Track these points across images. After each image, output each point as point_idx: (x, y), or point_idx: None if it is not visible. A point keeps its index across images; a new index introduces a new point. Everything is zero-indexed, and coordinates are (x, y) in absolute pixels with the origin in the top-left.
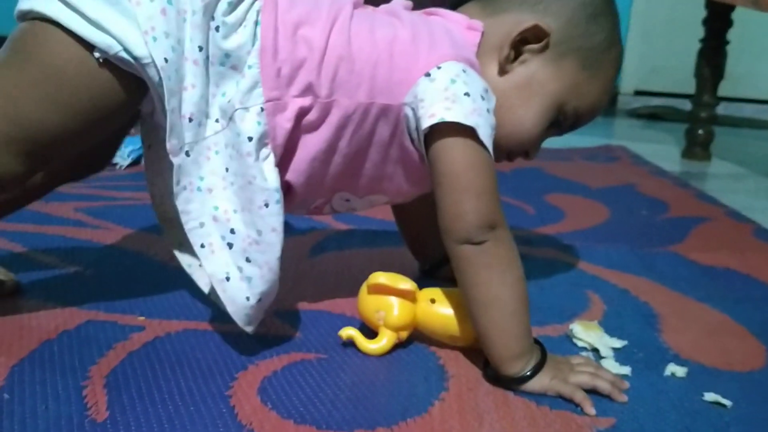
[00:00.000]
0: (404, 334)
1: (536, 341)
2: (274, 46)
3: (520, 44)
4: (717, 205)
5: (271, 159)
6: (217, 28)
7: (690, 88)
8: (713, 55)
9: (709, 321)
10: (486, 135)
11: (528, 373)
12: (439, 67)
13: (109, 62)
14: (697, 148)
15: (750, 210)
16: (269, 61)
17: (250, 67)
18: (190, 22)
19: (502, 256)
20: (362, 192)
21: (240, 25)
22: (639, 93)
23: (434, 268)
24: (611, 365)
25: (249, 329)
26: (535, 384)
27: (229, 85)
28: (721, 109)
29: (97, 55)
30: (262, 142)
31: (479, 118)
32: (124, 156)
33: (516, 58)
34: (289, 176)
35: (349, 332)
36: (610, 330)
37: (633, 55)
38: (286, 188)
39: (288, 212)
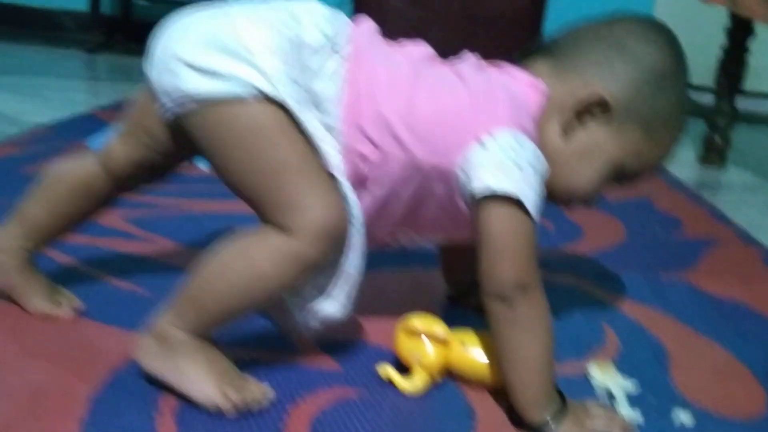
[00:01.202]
0: (438, 377)
1: (557, 389)
2: (355, 103)
3: (583, 113)
4: (729, 225)
5: (350, 189)
6: (313, 77)
7: (710, 80)
8: (734, 65)
9: (715, 360)
10: (531, 203)
11: (550, 421)
12: (492, 135)
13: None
14: (713, 154)
15: (761, 228)
16: (350, 115)
17: (335, 116)
18: (295, 69)
19: (531, 315)
20: (423, 232)
21: (331, 77)
22: None
23: (461, 296)
24: (623, 408)
25: (309, 326)
26: (556, 430)
27: (317, 125)
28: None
29: (249, 98)
30: (342, 176)
31: (526, 187)
32: None
33: (579, 122)
34: None
35: (387, 371)
36: (624, 368)
37: None
38: None
39: None
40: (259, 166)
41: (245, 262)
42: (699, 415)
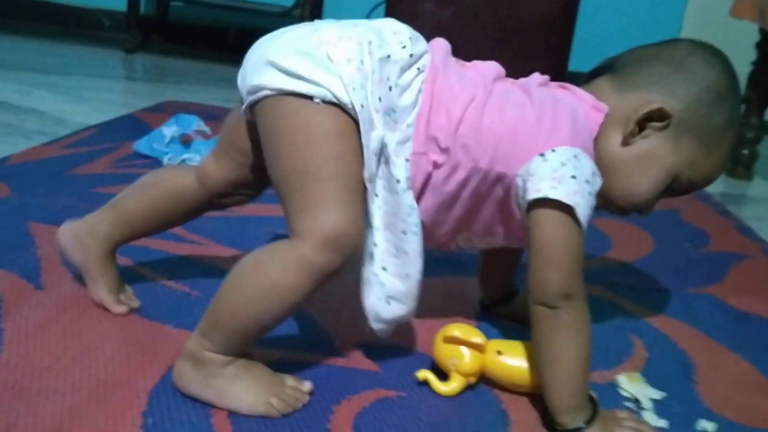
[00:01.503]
0: (473, 380)
1: (590, 397)
2: (428, 113)
3: (644, 122)
4: (755, 240)
5: (412, 198)
6: (390, 88)
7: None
8: (763, 79)
9: (739, 373)
10: (584, 215)
11: (581, 426)
12: (553, 150)
13: (331, 103)
14: (740, 167)
15: None
16: (423, 124)
17: (408, 125)
18: (371, 80)
19: (572, 322)
20: (480, 234)
21: (407, 89)
22: None
23: (494, 305)
24: (650, 417)
25: (377, 326)
26: None
27: (390, 135)
28: None
29: (317, 100)
30: (406, 185)
31: (580, 199)
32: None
33: (639, 132)
34: (421, 215)
35: (425, 374)
36: (651, 379)
37: None
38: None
39: None
40: (297, 165)
41: (257, 276)
42: (723, 425)
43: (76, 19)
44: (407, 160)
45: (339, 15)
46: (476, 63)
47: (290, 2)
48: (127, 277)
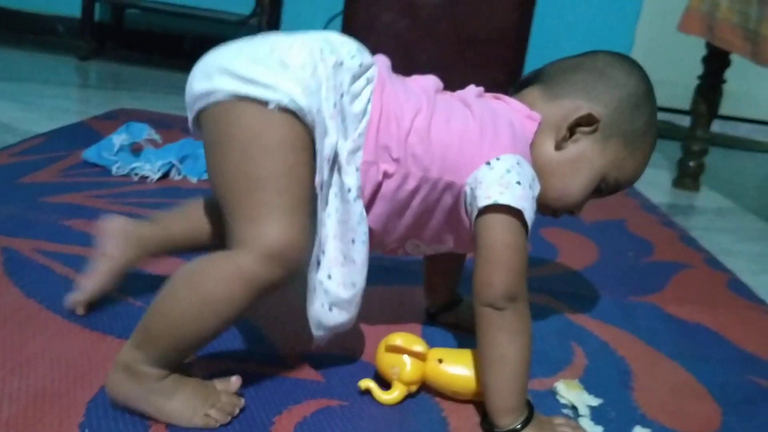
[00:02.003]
0: (414, 388)
1: (527, 401)
2: (378, 123)
3: (574, 127)
4: (698, 250)
5: (362, 207)
6: (342, 95)
7: (689, 103)
8: (710, 93)
9: (676, 380)
10: (530, 218)
11: (518, 427)
12: (498, 158)
13: (286, 110)
14: (687, 179)
15: (729, 254)
16: (373, 134)
17: (360, 134)
18: (325, 86)
19: (516, 323)
20: (428, 241)
21: (357, 97)
22: None
23: (438, 313)
24: (586, 424)
25: (317, 333)
26: None
27: (343, 143)
28: (718, 127)
29: (272, 106)
30: (357, 193)
31: (525, 203)
32: (155, 170)
33: (570, 137)
34: (370, 223)
35: (367, 384)
36: (589, 386)
37: None
38: (371, 234)
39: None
40: (248, 173)
41: (193, 287)
42: (658, 430)
43: (30, 25)
44: (357, 169)
45: (297, 24)
46: (416, 77)
47: (248, 11)
48: (70, 287)
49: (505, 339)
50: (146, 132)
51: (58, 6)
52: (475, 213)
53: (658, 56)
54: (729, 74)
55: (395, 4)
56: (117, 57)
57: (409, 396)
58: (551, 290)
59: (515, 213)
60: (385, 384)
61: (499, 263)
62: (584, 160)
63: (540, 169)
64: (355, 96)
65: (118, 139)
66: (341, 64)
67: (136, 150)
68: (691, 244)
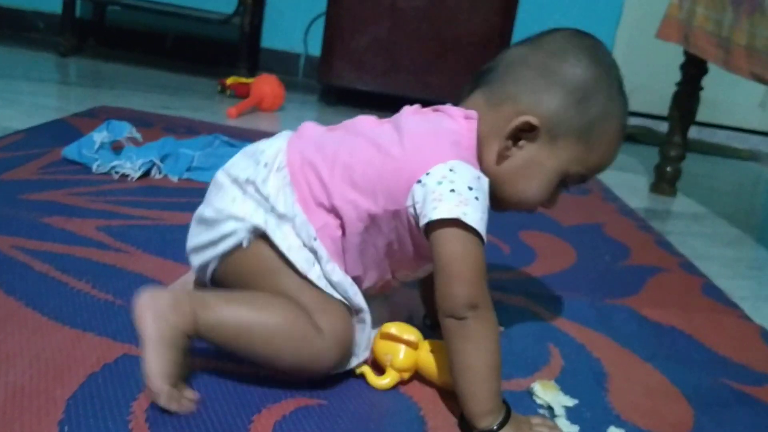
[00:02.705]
0: (407, 375)
1: (503, 401)
2: (306, 195)
3: (515, 135)
4: (673, 254)
5: (338, 269)
6: (263, 196)
7: (667, 109)
8: (687, 100)
9: (650, 382)
10: (475, 219)
11: (495, 428)
12: (428, 173)
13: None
14: (664, 184)
15: (704, 258)
16: (308, 205)
17: (296, 215)
18: (253, 199)
19: (480, 330)
20: (411, 267)
21: (280, 190)
22: None
23: (435, 326)
24: (563, 423)
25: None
26: None
27: (290, 230)
28: (695, 133)
29: (250, 235)
30: (327, 258)
31: (466, 207)
32: (135, 168)
33: (515, 144)
34: (351, 271)
35: (363, 368)
36: (565, 387)
37: None
38: (357, 279)
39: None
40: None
41: (274, 344)
42: (631, 431)
43: (9, 21)
44: (315, 238)
45: (279, 23)
46: (345, 123)
47: (230, 10)
48: (49, 285)
49: (471, 347)
50: (127, 130)
51: (39, 2)
52: (423, 232)
53: (637, 62)
54: (706, 82)
55: (378, 6)
56: (98, 54)
57: (393, 389)
58: (529, 292)
59: (456, 222)
60: (380, 370)
61: (452, 275)
62: (534, 165)
63: (492, 178)
64: (275, 190)
65: (99, 136)
66: (254, 181)
67: (116, 148)
68: (667, 249)
